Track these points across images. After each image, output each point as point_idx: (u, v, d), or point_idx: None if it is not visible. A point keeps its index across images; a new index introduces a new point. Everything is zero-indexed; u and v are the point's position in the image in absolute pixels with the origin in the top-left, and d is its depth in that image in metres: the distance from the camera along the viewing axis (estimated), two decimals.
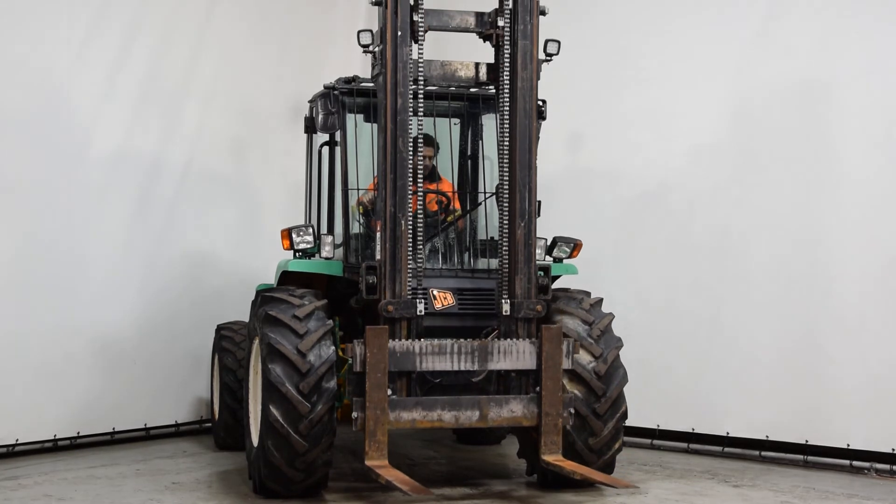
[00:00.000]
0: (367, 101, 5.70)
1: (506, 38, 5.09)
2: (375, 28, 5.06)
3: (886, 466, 6.11)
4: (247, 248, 7.98)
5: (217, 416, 6.87)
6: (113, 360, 7.16)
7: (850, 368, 6.21)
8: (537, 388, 4.85)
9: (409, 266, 4.88)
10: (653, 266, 7.05)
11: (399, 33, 4.92)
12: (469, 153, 6.25)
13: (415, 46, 5.00)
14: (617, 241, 7.16)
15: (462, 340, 4.92)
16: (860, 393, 6.16)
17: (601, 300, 5.44)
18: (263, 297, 5.17)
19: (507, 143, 5.07)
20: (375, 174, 5.43)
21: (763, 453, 6.57)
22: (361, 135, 5.79)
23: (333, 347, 4.92)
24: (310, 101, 6.25)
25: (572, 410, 4.86)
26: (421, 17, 4.94)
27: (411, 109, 4.91)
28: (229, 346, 6.69)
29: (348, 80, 5.75)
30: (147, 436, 7.45)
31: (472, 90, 5.75)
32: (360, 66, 7.27)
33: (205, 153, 7.76)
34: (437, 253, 5.57)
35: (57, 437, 6.86)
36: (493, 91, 5.42)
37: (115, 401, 7.18)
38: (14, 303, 6.57)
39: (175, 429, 7.67)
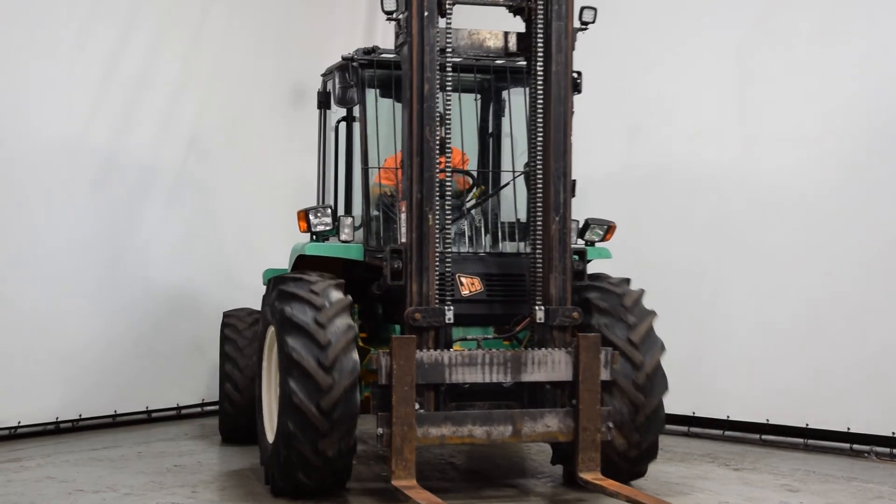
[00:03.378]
0: (388, 74, 5.26)
1: (539, 11, 4.66)
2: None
3: (886, 450, 6.10)
4: (254, 232, 7.88)
5: (221, 407, 6.54)
6: (115, 344, 7.11)
7: (851, 352, 6.16)
8: (573, 401, 4.52)
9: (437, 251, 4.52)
10: (652, 248, 6.85)
11: (426, 13, 4.47)
12: (491, 131, 5.81)
13: (441, 21, 4.57)
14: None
15: (494, 350, 4.56)
16: (860, 376, 6.12)
17: (642, 293, 5.06)
18: (276, 279, 4.84)
19: (540, 131, 4.66)
20: (394, 155, 5.09)
21: (763, 437, 6.56)
22: (381, 109, 5.35)
23: (353, 322, 4.60)
24: (323, 75, 5.86)
25: (611, 425, 4.55)
26: None
27: (439, 85, 4.52)
28: (232, 333, 6.33)
29: (368, 51, 5.31)
30: (149, 419, 7.44)
31: (499, 63, 5.36)
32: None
33: (201, 141, 7.67)
34: (462, 235, 5.18)
35: (59, 420, 6.86)
36: (522, 64, 5.04)
37: (117, 384, 7.15)
38: (15, 286, 6.53)
39: (177, 412, 7.63)
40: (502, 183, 5.58)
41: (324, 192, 5.96)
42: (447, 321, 4.49)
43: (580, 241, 5.22)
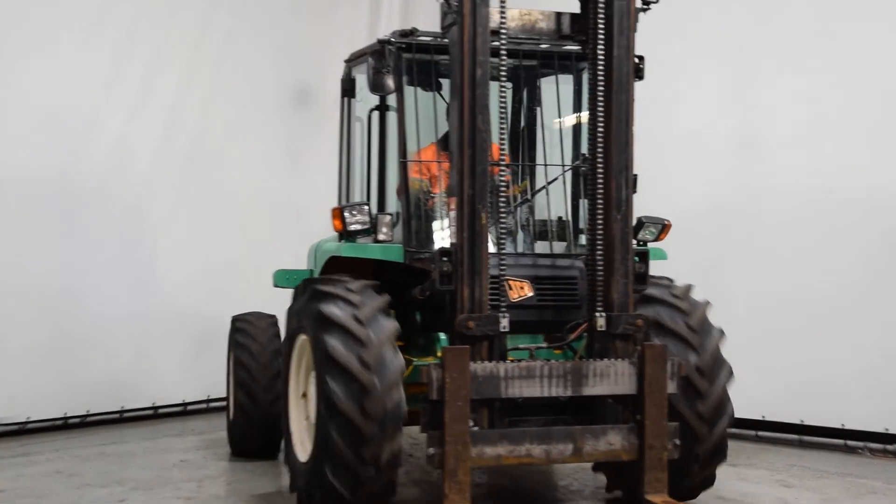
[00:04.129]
0: (427, 60, 4.84)
1: None
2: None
3: (880, 446, 6.25)
4: (256, 232, 8.01)
5: (231, 417, 6.11)
6: (122, 341, 7.32)
7: (846, 350, 6.28)
8: (637, 417, 4.16)
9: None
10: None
11: None
12: (525, 121, 5.41)
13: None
14: None
15: (553, 362, 4.16)
16: (855, 374, 6.24)
17: (691, 287, 4.75)
18: (308, 282, 4.52)
19: (600, 121, 4.26)
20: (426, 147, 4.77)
21: (759, 433, 6.71)
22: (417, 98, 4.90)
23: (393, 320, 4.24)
24: (348, 61, 5.48)
25: (677, 442, 4.20)
26: None
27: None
28: (244, 340, 5.89)
29: (405, 34, 4.86)
30: (155, 415, 7.67)
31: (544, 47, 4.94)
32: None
33: (209, 139, 7.92)
34: (508, 235, 4.74)
35: (67, 416, 7.11)
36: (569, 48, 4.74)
37: (124, 380, 7.36)
38: (23, 283, 6.71)
39: (183, 408, 7.84)
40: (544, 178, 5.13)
41: (348, 188, 5.51)
42: (502, 329, 4.08)
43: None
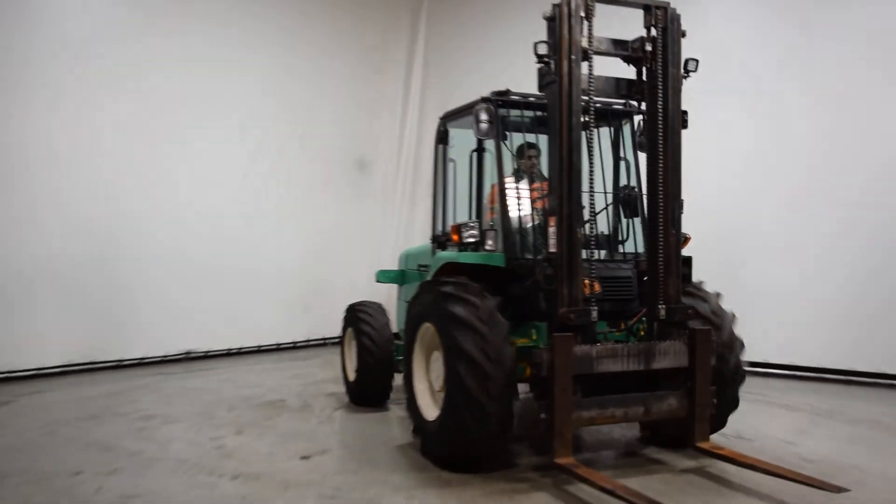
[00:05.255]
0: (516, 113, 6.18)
1: (657, 59, 5.52)
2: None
3: None
4: (331, 254, 11.97)
5: (353, 380, 7.76)
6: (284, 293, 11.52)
7: None
8: (688, 384, 5.45)
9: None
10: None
11: (573, 57, 5.23)
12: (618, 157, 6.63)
13: (584, 64, 5.29)
14: None
15: (630, 343, 5.44)
16: None
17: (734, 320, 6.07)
18: (428, 284, 5.77)
19: (660, 160, 5.49)
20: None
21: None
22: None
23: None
24: (442, 118, 6.89)
25: (715, 401, 5.53)
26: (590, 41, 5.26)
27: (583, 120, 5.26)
28: (367, 318, 7.57)
29: (501, 93, 6.18)
30: (278, 348, 11.50)
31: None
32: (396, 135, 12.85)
33: (294, 192, 11.71)
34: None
35: (239, 348, 11.06)
36: (630, 104, 6.22)
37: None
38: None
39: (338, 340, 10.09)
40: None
41: (444, 213, 6.76)
42: (592, 319, 5.29)
43: None
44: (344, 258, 11.87)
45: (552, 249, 5.33)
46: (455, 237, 5.88)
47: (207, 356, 10.36)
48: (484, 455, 5.45)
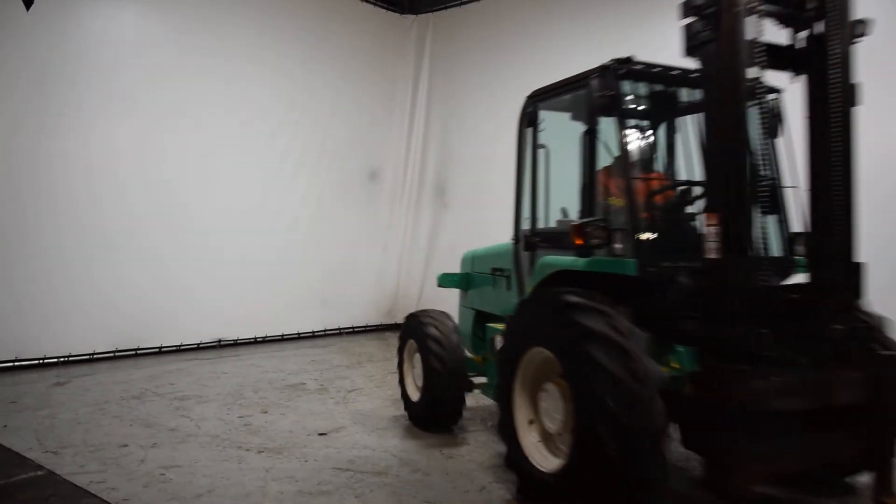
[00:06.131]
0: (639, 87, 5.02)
1: (826, 20, 4.42)
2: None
3: None
4: (342, 256, 12.61)
5: (419, 398, 6.65)
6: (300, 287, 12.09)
7: None
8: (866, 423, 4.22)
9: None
10: None
11: (739, 7, 4.18)
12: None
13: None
14: None
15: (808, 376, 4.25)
16: None
17: None
18: (542, 298, 4.69)
19: (835, 143, 4.36)
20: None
21: None
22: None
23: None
24: (530, 97, 5.74)
25: None
26: None
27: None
28: (434, 343, 6.43)
29: (623, 61, 4.88)
30: (298, 337, 12.08)
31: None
32: (402, 150, 13.47)
33: (311, 202, 12.33)
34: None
35: (264, 336, 11.75)
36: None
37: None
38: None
39: (351, 329, 12.53)
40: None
41: (534, 208, 5.69)
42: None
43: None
44: (356, 257, 12.69)
45: (711, 255, 4.23)
46: (578, 240, 4.70)
47: (236, 343, 11.11)
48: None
